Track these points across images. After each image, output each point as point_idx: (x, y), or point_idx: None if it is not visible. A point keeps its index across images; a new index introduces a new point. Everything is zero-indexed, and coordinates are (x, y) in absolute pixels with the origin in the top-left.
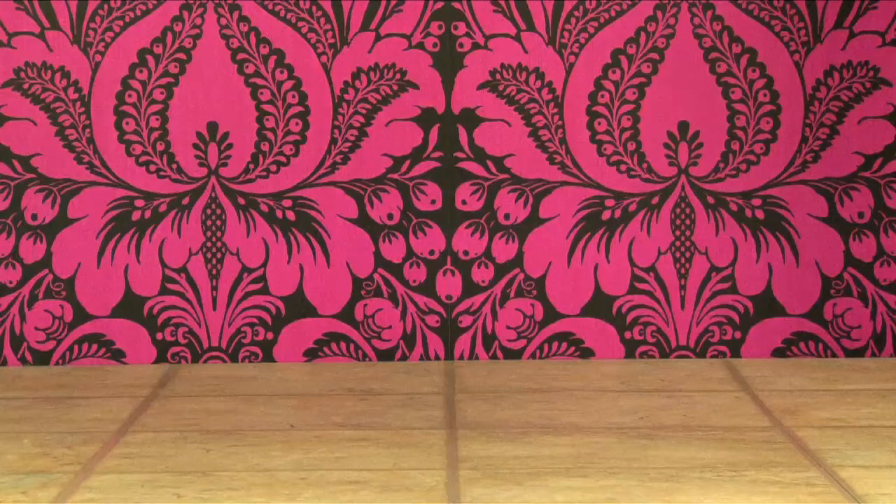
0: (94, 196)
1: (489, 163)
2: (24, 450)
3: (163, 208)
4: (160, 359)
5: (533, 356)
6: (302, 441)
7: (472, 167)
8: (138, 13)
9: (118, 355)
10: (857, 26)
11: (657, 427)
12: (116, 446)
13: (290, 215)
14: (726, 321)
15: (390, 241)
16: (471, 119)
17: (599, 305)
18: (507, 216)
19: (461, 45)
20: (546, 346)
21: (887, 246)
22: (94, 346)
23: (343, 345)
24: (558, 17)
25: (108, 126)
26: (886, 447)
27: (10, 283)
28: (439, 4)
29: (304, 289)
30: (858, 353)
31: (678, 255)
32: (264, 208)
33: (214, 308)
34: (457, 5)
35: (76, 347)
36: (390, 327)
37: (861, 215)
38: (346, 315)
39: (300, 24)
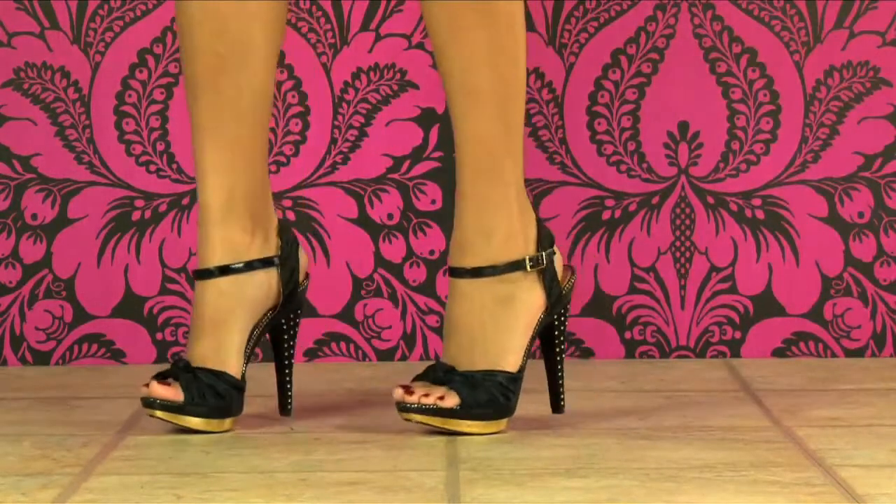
0: (94, 196)
1: None
2: (24, 451)
3: (163, 208)
4: (160, 359)
5: (532, 356)
6: (302, 442)
7: None
8: (138, 13)
9: (118, 355)
10: (857, 26)
11: (657, 427)
12: (116, 448)
13: (291, 215)
14: (726, 321)
15: (390, 241)
16: None
17: (599, 305)
18: None
19: None
20: None
21: (887, 246)
22: (94, 346)
23: (343, 345)
24: (558, 17)
25: (108, 126)
26: (886, 447)
27: (10, 283)
28: None
29: None
30: (858, 353)
31: (678, 255)
32: None
33: None
34: None
35: (76, 347)
36: (390, 327)
37: (861, 215)
38: (346, 315)
39: (300, 24)
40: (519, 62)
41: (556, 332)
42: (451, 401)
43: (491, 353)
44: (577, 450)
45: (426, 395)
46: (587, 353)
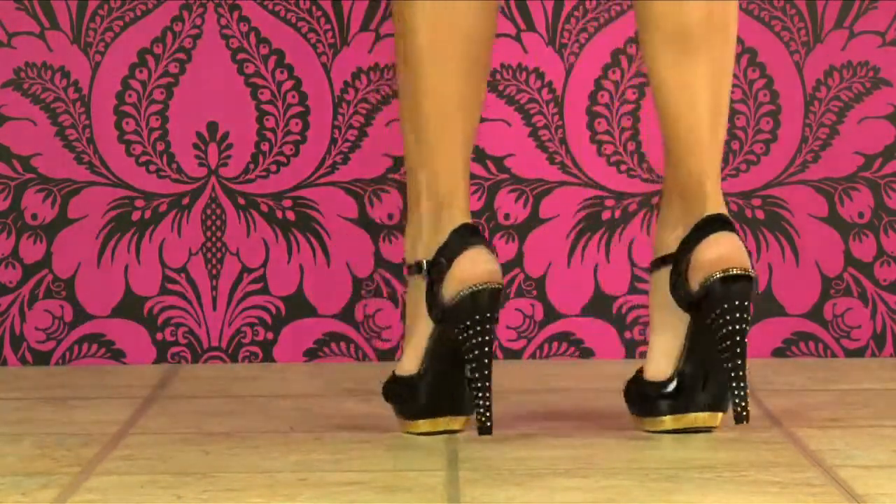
0: (94, 196)
1: (489, 163)
2: (24, 451)
3: (163, 208)
4: (160, 359)
5: (533, 356)
6: (302, 442)
7: (472, 167)
8: (138, 13)
9: (118, 355)
10: (857, 26)
11: None
12: (116, 448)
13: (290, 215)
14: None
15: (390, 241)
16: None
17: (599, 305)
18: (507, 216)
19: None
20: (546, 346)
21: (887, 246)
22: (94, 346)
23: (343, 345)
24: (558, 17)
25: (108, 126)
26: (886, 447)
27: (10, 283)
28: None
29: (304, 289)
30: (858, 353)
31: None
32: (264, 208)
33: (214, 308)
34: None
35: (76, 347)
36: (390, 327)
37: (861, 215)
38: (346, 315)
39: (300, 24)
40: (415, 65)
41: (463, 349)
42: None
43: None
44: (577, 450)
45: None
46: (587, 353)
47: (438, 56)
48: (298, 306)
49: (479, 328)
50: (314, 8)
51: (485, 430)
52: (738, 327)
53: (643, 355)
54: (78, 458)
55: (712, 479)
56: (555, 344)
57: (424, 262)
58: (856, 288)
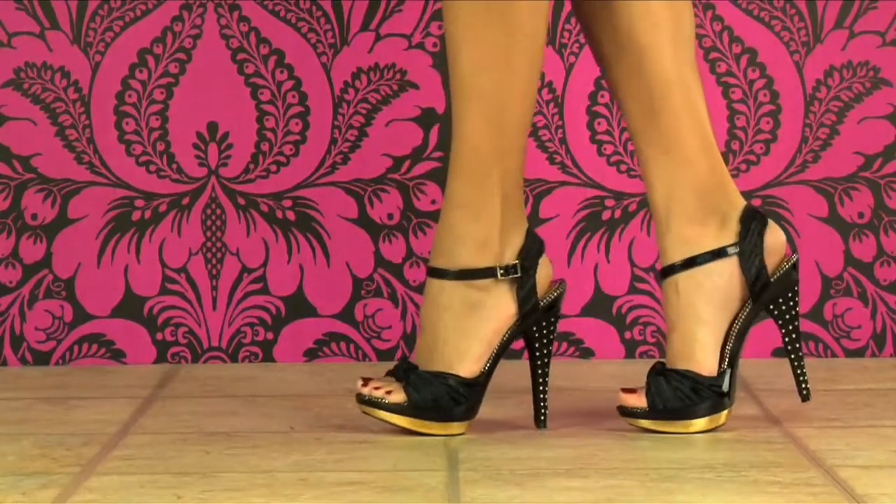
0: (94, 196)
1: None
2: (24, 451)
3: (163, 208)
4: (160, 359)
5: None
6: (302, 442)
7: None
8: (138, 13)
9: (118, 355)
10: (857, 26)
11: None
12: (116, 448)
13: (290, 215)
14: None
15: (390, 241)
16: None
17: (599, 305)
18: None
19: None
20: None
21: (887, 246)
22: (94, 346)
23: (343, 345)
24: (558, 17)
25: (108, 126)
26: (886, 447)
27: (10, 283)
28: (439, 5)
29: (304, 289)
30: (858, 353)
31: None
32: (264, 208)
33: (214, 308)
34: None
35: (76, 347)
36: (390, 327)
37: (861, 215)
38: (346, 315)
39: (300, 24)
40: (521, 68)
41: (537, 345)
42: (397, 397)
43: (448, 356)
44: (577, 450)
45: (377, 389)
46: (587, 353)
47: (537, 59)
48: (298, 306)
49: (557, 323)
50: (314, 8)
51: (544, 423)
52: (798, 310)
53: (643, 355)
54: (78, 458)
55: (712, 479)
56: (554, 344)
57: (518, 263)
58: (856, 288)
